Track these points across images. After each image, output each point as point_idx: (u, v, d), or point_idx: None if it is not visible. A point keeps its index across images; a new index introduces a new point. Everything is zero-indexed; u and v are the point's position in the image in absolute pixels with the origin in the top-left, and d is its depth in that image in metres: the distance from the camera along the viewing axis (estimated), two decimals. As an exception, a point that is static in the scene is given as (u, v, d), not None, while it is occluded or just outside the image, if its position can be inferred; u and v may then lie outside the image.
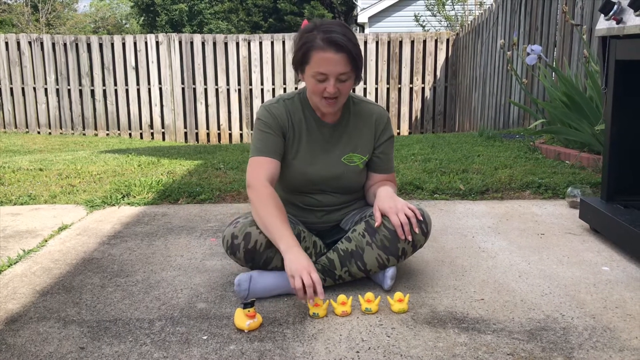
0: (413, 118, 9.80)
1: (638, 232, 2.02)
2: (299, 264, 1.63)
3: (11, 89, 9.87)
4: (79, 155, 5.20)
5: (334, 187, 1.97)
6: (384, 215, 1.82)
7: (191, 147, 5.87)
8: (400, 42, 9.60)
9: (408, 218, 1.80)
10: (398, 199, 1.84)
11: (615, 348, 1.49)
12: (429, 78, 9.67)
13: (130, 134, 9.96)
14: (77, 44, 9.75)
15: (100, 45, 9.72)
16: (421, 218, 1.82)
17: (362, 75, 1.93)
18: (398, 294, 1.72)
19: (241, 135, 9.91)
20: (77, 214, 2.92)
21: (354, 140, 1.98)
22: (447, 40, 9.57)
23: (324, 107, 1.85)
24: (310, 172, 1.93)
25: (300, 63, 1.83)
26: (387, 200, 1.83)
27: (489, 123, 7.27)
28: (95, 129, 9.97)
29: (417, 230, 1.80)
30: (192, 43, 9.68)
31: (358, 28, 16.01)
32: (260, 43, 9.67)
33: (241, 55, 9.70)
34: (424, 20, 12.26)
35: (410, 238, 1.80)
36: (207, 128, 9.91)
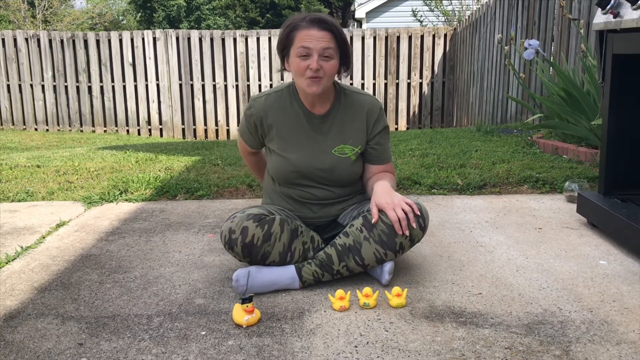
0: (411, 113, 9.79)
1: (635, 226, 2.02)
2: None
3: (8, 85, 9.84)
4: (77, 151, 5.20)
5: (327, 179, 1.97)
6: (381, 211, 1.82)
7: (189, 144, 5.87)
8: (398, 38, 9.59)
9: (405, 213, 1.80)
10: (395, 194, 1.84)
11: (613, 341, 1.50)
12: (427, 73, 9.66)
13: (127, 131, 9.94)
14: (74, 41, 9.72)
15: (97, 42, 9.69)
16: (418, 213, 1.82)
17: (351, 65, 1.94)
18: (396, 289, 1.72)
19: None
20: (74, 211, 2.92)
21: (345, 132, 1.97)
22: (445, 36, 9.56)
23: (307, 86, 1.84)
24: (300, 164, 1.93)
25: (284, 46, 1.87)
26: (384, 196, 1.83)
27: (487, 118, 7.28)
28: (93, 125, 9.95)
29: (414, 225, 1.80)
30: (189, 39, 9.66)
31: (355, 23, 15.99)
32: (258, 39, 9.65)
33: (238, 51, 9.68)
34: (421, 16, 12.25)
35: (407, 233, 1.80)
36: (205, 124, 9.90)
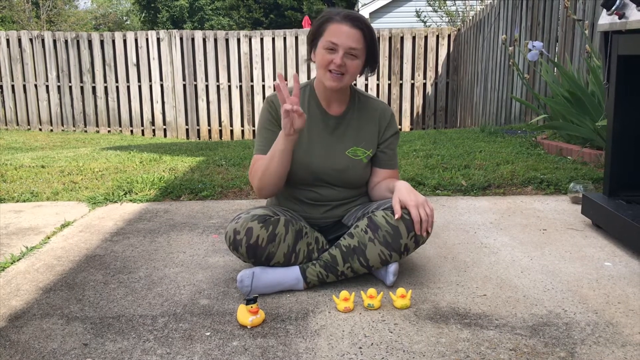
0: (414, 114, 9.79)
1: (640, 227, 2.02)
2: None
3: (12, 86, 9.88)
4: (81, 152, 5.21)
5: (337, 180, 1.97)
6: (403, 208, 1.81)
7: (192, 144, 5.88)
8: (402, 38, 9.59)
9: (427, 215, 1.80)
10: (418, 194, 1.84)
11: (618, 343, 1.49)
12: (431, 74, 9.66)
13: (131, 131, 9.96)
14: (78, 41, 9.75)
15: (102, 42, 9.72)
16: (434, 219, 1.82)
17: (374, 70, 1.96)
18: (400, 290, 1.72)
19: (242, 131, 9.91)
20: (79, 211, 2.92)
21: (359, 135, 1.98)
22: (449, 36, 9.55)
23: (328, 80, 1.86)
24: (314, 163, 1.93)
25: (314, 36, 1.88)
26: (409, 193, 1.82)
27: (491, 119, 7.26)
28: (97, 125, 9.98)
29: (430, 230, 1.80)
30: (193, 39, 9.67)
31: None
32: (262, 39, 9.66)
33: (242, 51, 9.69)
34: (425, 16, 12.25)
35: (424, 234, 1.80)
36: (209, 125, 9.91)
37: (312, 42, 1.90)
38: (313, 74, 9.48)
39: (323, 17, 1.87)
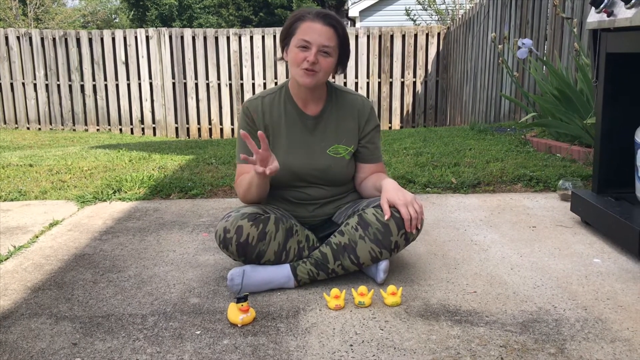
0: (404, 112, 9.80)
1: (629, 224, 2.03)
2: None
3: (0, 84, 9.78)
4: (70, 150, 5.18)
5: (321, 179, 1.97)
6: (392, 207, 1.82)
7: (182, 142, 5.85)
8: (392, 36, 9.59)
9: (416, 212, 1.81)
10: (406, 191, 1.84)
11: (607, 339, 1.50)
12: (421, 72, 9.67)
13: (120, 129, 9.90)
14: (66, 39, 9.67)
15: (90, 40, 9.64)
16: (424, 216, 1.83)
17: (345, 67, 1.96)
18: (391, 287, 1.73)
19: (232, 130, 9.88)
20: (68, 210, 2.90)
21: (338, 132, 1.98)
22: (438, 34, 9.57)
23: (301, 77, 1.85)
24: (295, 165, 1.93)
25: (286, 35, 1.88)
26: (396, 192, 1.82)
27: (480, 117, 7.29)
28: (86, 124, 9.91)
29: (419, 226, 1.81)
30: (182, 37, 9.62)
31: (349, 22, 15.97)
32: (251, 37, 9.63)
33: (232, 49, 9.66)
34: (414, 14, 12.26)
35: (414, 231, 1.80)
36: (198, 123, 9.87)
37: (284, 40, 1.90)
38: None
39: (295, 16, 1.86)
